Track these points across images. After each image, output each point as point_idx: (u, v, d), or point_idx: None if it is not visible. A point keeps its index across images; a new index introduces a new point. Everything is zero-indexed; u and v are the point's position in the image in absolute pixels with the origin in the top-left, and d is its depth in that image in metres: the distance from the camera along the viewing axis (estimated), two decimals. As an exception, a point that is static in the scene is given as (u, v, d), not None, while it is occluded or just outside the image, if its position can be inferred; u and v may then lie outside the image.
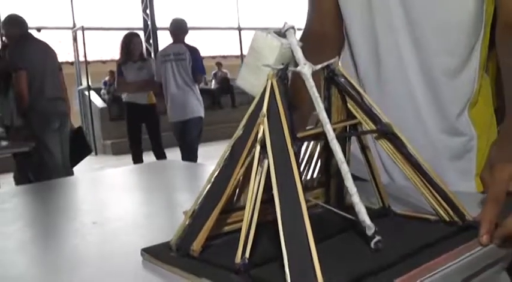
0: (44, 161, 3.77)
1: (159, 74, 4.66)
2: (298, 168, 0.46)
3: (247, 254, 0.48)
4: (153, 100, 5.05)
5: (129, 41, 4.94)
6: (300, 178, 0.46)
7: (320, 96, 0.54)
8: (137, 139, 5.11)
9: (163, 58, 4.63)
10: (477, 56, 0.84)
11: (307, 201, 0.65)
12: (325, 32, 0.99)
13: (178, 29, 4.84)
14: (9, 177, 4.44)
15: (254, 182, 0.49)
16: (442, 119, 0.87)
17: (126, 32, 5.30)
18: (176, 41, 4.76)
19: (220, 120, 7.74)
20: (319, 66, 0.55)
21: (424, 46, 0.84)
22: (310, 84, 0.53)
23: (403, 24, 0.85)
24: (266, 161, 0.48)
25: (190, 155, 4.77)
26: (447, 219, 0.58)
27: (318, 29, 1.00)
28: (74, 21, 10.08)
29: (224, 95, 10.82)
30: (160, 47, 9.97)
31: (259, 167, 0.49)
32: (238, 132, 0.52)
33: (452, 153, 0.87)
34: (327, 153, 0.65)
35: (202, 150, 5.27)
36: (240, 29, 12.95)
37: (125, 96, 5.03)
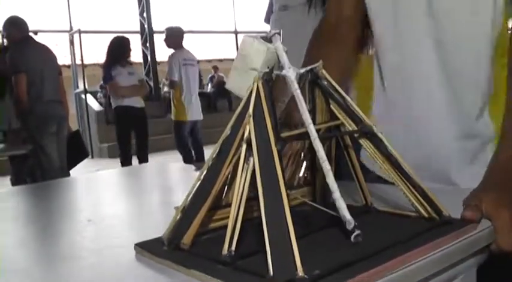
0: (41, 163, 3.78)
1: (174, 75, 4.86)
2: (281, 165, 0.49)
3: (233, 247, 0.50)
4: (143, 103, 5.15)
5: (127, 44, 4.98)
6: (283, 175, 0.49)
7: (304, 99, 0.57)
8: (130, 143, 5.14)
9: (184, 61, 4.90)
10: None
11: (294, 198, 0.69)
12: (343, 18, 0.98)
13: (181, 34, 4.99)
14: (6, 180, 4.46)
15: (240, 179, 0.52)
16: (460, 122, 0.85)
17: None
18: (180, 47, 4.91)
19: (216, 123, 7.73)
20: (303, 70, 0.58)
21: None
22: (295, 86, 0.55)
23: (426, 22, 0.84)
24: (252, 159, 0.51)
25: (200, 151, 5.14)
26: (426, 215, 0.61)
27: (334, 18, 0.99)
28: (70, 24, 10.10)
29: (220, 98, 10.83)
30: (157, 51, 10.01)
31: (245, 165, 0.52)
32: (226, 131, 0.55)
33: (467, 157, 0.86)
34: (312, 153, 0.68)
35: (198, 153, 5.33)
36: (236, 33, 12.99)
37: (118, 101, 4.98)
